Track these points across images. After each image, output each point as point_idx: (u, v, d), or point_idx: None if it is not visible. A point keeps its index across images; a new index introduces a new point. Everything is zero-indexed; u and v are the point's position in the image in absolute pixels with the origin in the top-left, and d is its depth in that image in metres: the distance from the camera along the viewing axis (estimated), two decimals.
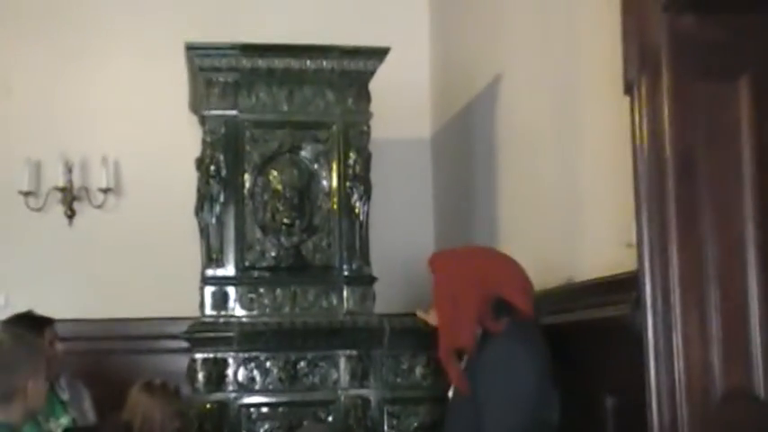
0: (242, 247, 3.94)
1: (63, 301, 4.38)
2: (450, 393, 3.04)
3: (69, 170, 4.75)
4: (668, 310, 2.47)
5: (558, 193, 3.47)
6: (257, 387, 3.80)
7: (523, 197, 3.85)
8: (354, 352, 3.86)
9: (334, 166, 4.02)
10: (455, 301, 2.85)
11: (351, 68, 3.96)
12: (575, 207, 3.31)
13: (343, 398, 3.84)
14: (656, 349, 2.47)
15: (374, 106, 4.03)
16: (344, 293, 3.96)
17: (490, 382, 2.76)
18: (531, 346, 2.83)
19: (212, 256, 3.90)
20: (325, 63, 3.94)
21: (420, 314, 3.45)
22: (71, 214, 4.75)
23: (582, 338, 3.04)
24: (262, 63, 3.93)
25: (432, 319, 3.40)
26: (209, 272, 3.90)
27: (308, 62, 3.94)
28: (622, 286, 2.71)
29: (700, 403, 2.43)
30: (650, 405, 2.48)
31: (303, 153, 4.03)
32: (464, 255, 3.09)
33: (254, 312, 3.89)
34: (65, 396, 3.64)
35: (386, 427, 3.85)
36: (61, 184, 4.74)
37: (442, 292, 2.91)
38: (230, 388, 3.78)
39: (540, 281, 3.19)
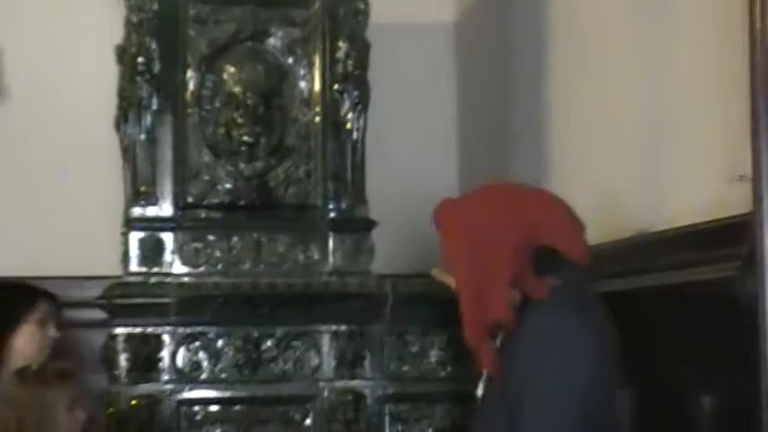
0: (183, 175, 3.95)
1: None
2: (481, 389, 3.06)
3: None
4: None
5: (634, 105, 3.46)
6: (204, 376, 3.84)
7: (584, 112, 3.84)
8: (343, 327, 3.89)
9: (317, 62, 4.02)
10: (480, 258, 2.85)
11: None
12: (658, 124, 3.30)
13: (326, 392, 3.88)
14: None
15: None
16: (329, 244, 3.99)
17: (530, 367, 2.78)
18: (590, 317, 2.83)
19: (140, 189, 3.91)
20: None
21: (437, 274, 3.45)
22: None
23: (665, 312, 3.06)
24: None
25: (453, 281, 3.42)
26: (136, 211, 3.92)
27: None
28: (727, 237, 2.72)
29: None
30: (765, 407, 2.49)
31: (271, 41, 4.02)
32: (483, 195, 3.08)
33: (201, 269, 3.92)
34: None
35: None
36: None
37: (459, 249, 2.91)
38: (165, 377, 3.82)
39: (604, 231, 3.19)
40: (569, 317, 2.78)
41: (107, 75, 4.03)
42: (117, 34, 4.01)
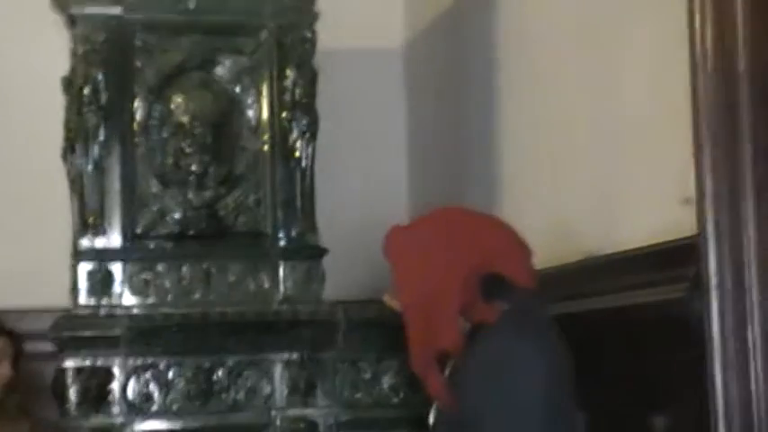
0: (131, 206, 3.93)
1: None
2: (432, 416, 3.06)
3: None
4: (741, 292, 2.49)
5: (584, 130, 3.47)
6: (155, 408, 3.81)
7: (534, 137, 3.86)
8: (295, 355, 3.88)
9: (265, 90, 4.03)
10: (429, 286, 2.85)
11: None
12: (606, 149, 3.32)
13: (279, 421, 3.87)
14: (724, 347, 2.50)
15: (322, 3, 4.03)
16: (280, 272, 3.98)
17: (484, 394, 2.78)
18: (542, 340, 2.83)
19: (88, 220, 3.89)
20: None
21: (388, 300, 3.45)
22: None
23: (616, 334, 3.06)
24: None
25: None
26: (84, 242, 3.89)
27: None
28: (675, 259, 2.73)
29: None
30: (716, 426, 2.51)
31: (219, 70, 4.03)
32: (432, 222, 3.08)
33: (150, 300, 3.90)
34: None
35: None
36: None
37: (408, 275, 2.90)
38: (116, 409, 3.79)
39: (554, 254, 3.20)
40: (520, 340, 2.78)
41: (54, 107, 4.00)
42: (63, 65, 3.99)
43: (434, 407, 3.01)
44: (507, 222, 3.02)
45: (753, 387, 2.48)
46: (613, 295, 3.05)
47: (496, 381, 2.75)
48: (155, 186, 3.96)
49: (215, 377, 3.85)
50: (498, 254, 2.87)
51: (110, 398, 3.77)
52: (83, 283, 3.87)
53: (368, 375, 3.96)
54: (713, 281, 2.52)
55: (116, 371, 3.79)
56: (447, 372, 2.91)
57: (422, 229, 3.02)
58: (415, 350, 2.87)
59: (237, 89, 4.03)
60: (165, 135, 3.98)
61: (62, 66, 4.01)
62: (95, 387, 3.76)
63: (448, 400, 2.85)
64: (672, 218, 2.81)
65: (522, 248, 2.92)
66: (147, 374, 3.81)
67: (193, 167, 3.95)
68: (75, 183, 3.92)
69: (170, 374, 3.82)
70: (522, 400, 2.73)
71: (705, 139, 2.54)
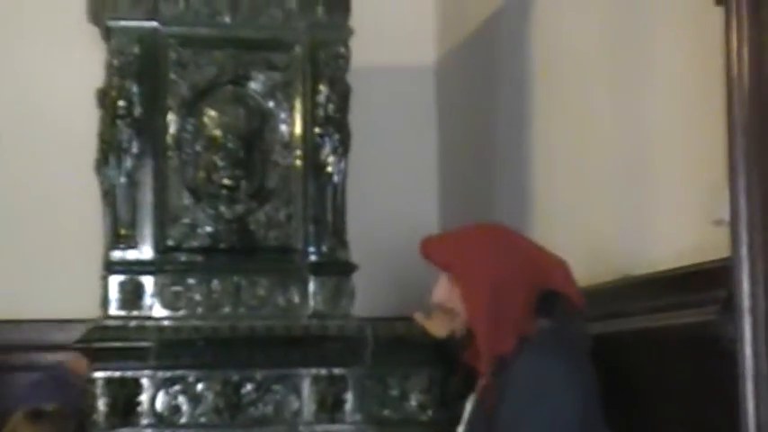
0: (163, 219, 3.95)
1: None
2: (461, 430, 3.08)
3: None
4: None
5: (616, 149, 3.47)
6: (184, 420, 3.82)
7: (566, 156, 3.86)
8: (323, 371, 3.88)
9: (297, 105, 4.03)
10: (499, 294, 2.89)
11: None
12: (638, 168, 3.32)
13: None
14: (757, 371, 2.48)
15: (356, 20, 4.03)
16: (310, 287, 3.99)
17: (518, 410, 2.80)
18: (578, 362, 2.86)
19: (120, 232, 3.91)
20: None
21: (419, 318, 3.47)
22: None
23: (645, 355, 3.06)
24: None
25: (434, 327, 3.43)
26: (116, 254, 3.91)
27: None
28: (706, 281, 2.72)
29: None
30: None
31: (252, 85, 4.03)
32: (480, 232, 3.13)
33: (180, 313, 3.91)
34: None
35: None
36: None
37: (476, 287, 2.93)
38: (145, 421, 3.79)
39: (586, 274, 3.20)
40: (556, 359, 2.82)
41: (89, 119, 4.03)
42: (99, 77, 4.02)
43: (463, 421, 3.03)
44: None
45: None
46: (645, 316, 3.05)
47: (532, 400, 2.78)
48: (186, 199, 3.97)
49: (243, 391, 3.85)
50: (554, 271, 2.93)
51: (138, 410, 3.78)
52: (113, 295, 3.88)
53: (396, 392, 3.95)
54: (746, 303, 2.50)
55: (145, 383, 3.79)
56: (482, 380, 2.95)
57: (475, 237, 3.06)
58: (484, 351, 2.90)
59: (270, 104, 4.03)
60: (197, 149, 3.99)
61: (97, 78, 4.03)
62: (124, 399, 3.76)
63: (490, 408, 2.88)
64: (705, 239, 2.81)
65: (564, 264, 2.97)
66: (176, 387, 3.81)
67: (225, 181, 3.97)
68: (108, 195, 3.93)
69: (198, 387, 3.82)
70: (557, 420, 2.76)
71: (739, 159, 2.53)
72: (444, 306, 3.05)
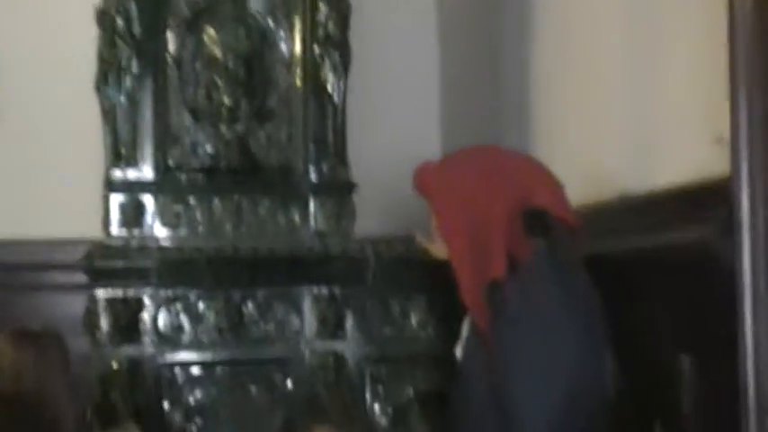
0: (164, 139, 3.95)
1: None
2: (460, 351, 3.09)
3: None
4: None
5: (617, 68, 3.46)
6: (186, 339, 3.85)
7: (568, 76, 3.85)
8: (324, 290, 3.91)
9: (297, 24, 4.02)
10: (477, 224, 2.88)
11: None
12: (640, 87, 3.31)
13: (308, 355, 3.90)
14: (755, 288, 2.50)
15: None
16: (311, 207, 4.00)
17: (513, 338, 2.81)
18: (575, 283, 2.87)
19: (120, 152, 3.92)
20: None
21: (420, 239, 3.49)
22: None
23: (645, 274, 3.07)
24: None
25: (436, 248, 3.44)
26: (117, 174, 3.92)
27: None
28: (706, 199, 2.74)
29: None
30: (744, 369, 2.51)
31: (252, 3, 4.02)
32: (470, 160, 3.11)
33: (181, 232, 3.93)
34: None
35: (368, 396, 3.93)
36: None
37: (454, 215, 2.93)
38: (147, 340, 3.83)
39: (587, 193, 3.21)
40: (553, 283, 2.82)
41: (88, 39, 4.01)
42: None
43: (464, 342, 3.04)
44: (539, 160, 3.04)
45: None
46: (644, 235, 3.06)
47: (529, 327, 2.79)
48: (187, 119, 3.98)
49: (245, 310, 3.88)
50: (539, 189, 2.92)
51: (141, 329, 3.81)
52: (114, 215, 3.90)
53: (396, 311, 3.98)
54: (745, 221, 2.52)
55: (147, 302, 3.82)
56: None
57: (458, 164, 3.04)
58: (465, 287, 2.90)
59: (270, 23, 4.02)
60: (197, 68, 3.98)
61: None
62: (126, 318, 3.79)
63: (488, 334, 2.88)
64: (705, 158, 2.81)
65: (558, 185, 2.95)
66: (178, 306, 3.84)
67: (225, 101, 3.96)
68: (108, 114, 3.93)
69: (200, 307, 3.85)
70: (555, 349, 2.77)
71: (740, 77, 2.53)
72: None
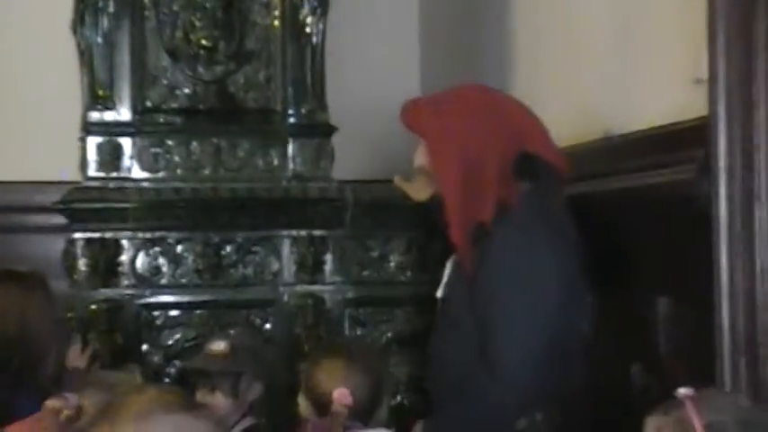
0: (141, 80, 3.94)
1: None
2: (440, 292, 3.10)
3: None
4: (750, 175, 2.50)
5: (599, 9, 3.46)
6: (164, 281, 3.88)
7: (551, 16, 3.84)
8: (303, 232, 3.92)
9: None
10: (470, 163, 2.88)
11: None
12: (622, 29, 3.31)
13: (286, 297, 3.93)
14: (731, 230, 2.52)
15: None
16: (290, 149, 4.00)
17: (498, 281, 2.82)
18: (559, 226, 2.88)
19: (98, 93, 3.91)
20: None
21: (398, 182, 3.48)
22: None
23: (624, 214, 3.08)
24: None
25: (414, 190, 3.44)
26: (94, 116, 3.91)
27: None
28: (684, 140, 2.74)
29: None
30: (719, 310, 2.54)
31: None
32: (463, 99, 3.10)
33: (160, 174, 3.93)
34: None
35: (347, 338, 3.94)
36: None
37: (447, 154, 2.92)
38: (125, 282, 3.85)
39: (568, 134, 3.21)
40: (537, 227, 2.83)
41: None
42: None
43: (444, 285, 3.06)
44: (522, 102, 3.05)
45: (758, 269, 2.50)
46: (623, 176, 3.06)
47: (514, 271, 2.80)
48: (164, 60, 3.96)
49: (224, 252, 3.89)
50: (530, 133, 2.93)
51: (119, 270, 3.83)
52: (92, 157, 3.90)
53: (375, 254, 4.00)
54: (722, 163, 2.53)
55: (125, 244, 3.84)
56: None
57: (451, 102, 3.03)
58: (455, 224, 2.90)
59: None
60: (174, 8, 3.96)
61: None
62: (105, 259, 3.81)
63: (472, 275, 2.90)
64: (685, 98, 2.81)
65: (545, 129, 2.96)
66: (157, 248, 3.86)
67: (203, 41, 3.95)
68: (85, 55, 3.92)
69: (179, 248, 3.87)
70: (540, 294, 2.79)
71: (719, 19, 2.53)
72: (423, 170, 3.06)
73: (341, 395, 2.74)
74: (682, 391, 1.96)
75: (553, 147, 2.98)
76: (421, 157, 3.04)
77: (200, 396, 3.09)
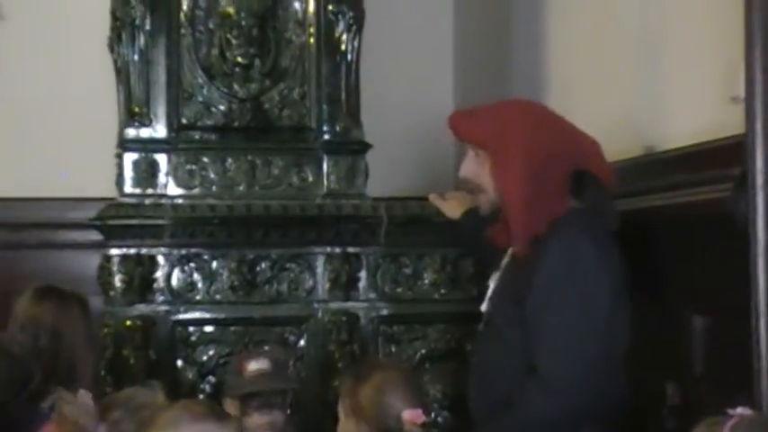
0: (177, 97, 3.96)
1: None
2: (485, 306, 3.08)
3: None
4: None
5: (634, 26, 3.46)
6: (199, 297, 3.88)
7: (584, 32, 3.84)
8: (337, 249, 3.93)
9: None
10: (534, 172, 2.87)
11: None
12: (657, 45, 3.30)
13: (320, 314, 3.93)
14: None
15: None
16: (324, 166, 4.01)
17: (550, 295, 2.81)
18: (606, 242, 2.88)
19: (134, 110, 3.93)
20: None
21: (434, 199, 3.49)
22: None
23: (661, 232, 3.08)
24: None
25: (450, 207, 3.45)
26: (130, 132, 3.93)
27: None
28: (721, 158, 2.73)
29: None
30: (757, 328, 2.52)
31: None
32: (512, 108, 3.09)
33: (195, 191, 3.94)
34: None
35: (380, 356, 3.94)
36: None
37: (511, 161, 2.90)
38: (160, 298, 3.86)
39: (605, 151, 3.20)
40: (587, 242, 2.83)
41: None
42: None
43: (488, 300, 3.05)
44: None
45: None
46: (660, 194, 3.06)
47: (564, 284, 2.80)
48: (200, 78, 3.98)
49: (258, 269, 3.90)
50: (587, 150, 2.93)
51: (154, 286, 3.84)
52: (128, 173, 3.92)
53: (409, 271, 4.00)
54: (759, 180, 2.51)
55: (160, 260, 3.85)
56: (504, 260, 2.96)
57: (512, 113, 3.02)
58: (518, 230, 2.89)
59: None
60: (211, 26, 3.98)
61: None
62: (140, 275, 3.82)
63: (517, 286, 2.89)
64: (721, 116, 2.80)
65: (600, 148, 2.97)
66: (192, 264, 3.87)
67: (239, 59, 3.96)
68: (122, 73, 3.94)
69: (214, 265, 3.87)
70: (589, 301, 2.78)
71: (756, 36, 2.52)
72: (471, 182, 3.04)
73: (414, 416, 2.70)
74: (739, 410, 1.95)
75: (606, 166, 2.98)
76: (468, 169, 3.02)
77: (258, 417, 3.10)
